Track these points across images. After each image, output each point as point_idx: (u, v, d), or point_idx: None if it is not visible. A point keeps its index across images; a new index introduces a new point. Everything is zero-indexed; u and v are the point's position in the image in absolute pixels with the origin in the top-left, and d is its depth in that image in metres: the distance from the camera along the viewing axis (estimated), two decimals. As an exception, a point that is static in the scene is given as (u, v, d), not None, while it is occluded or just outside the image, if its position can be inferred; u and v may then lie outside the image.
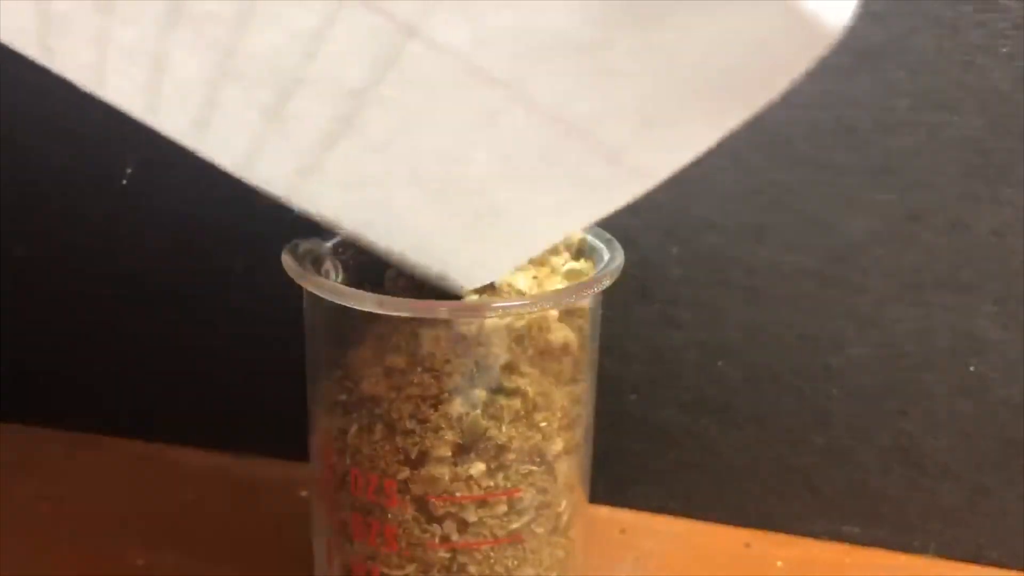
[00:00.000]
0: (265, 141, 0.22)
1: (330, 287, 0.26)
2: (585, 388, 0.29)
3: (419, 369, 0.26)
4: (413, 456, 0.26)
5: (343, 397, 0.27)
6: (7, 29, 0.21)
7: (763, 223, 0.36)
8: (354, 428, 0.27)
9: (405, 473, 0.26)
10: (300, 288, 0.27)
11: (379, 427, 0.26)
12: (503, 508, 0.27)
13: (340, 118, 0.20)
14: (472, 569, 0.27)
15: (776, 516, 0.39)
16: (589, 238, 0.30)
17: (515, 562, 0.27)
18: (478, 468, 0.26)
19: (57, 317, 0.43)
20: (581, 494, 0.30)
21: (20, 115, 0.40)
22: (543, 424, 0.27)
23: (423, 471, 0.26)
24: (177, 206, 0.40)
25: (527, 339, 0.26)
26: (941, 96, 0.33)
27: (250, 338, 0.41)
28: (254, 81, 0.20)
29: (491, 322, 0.26)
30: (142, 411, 0.43)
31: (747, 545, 0.38)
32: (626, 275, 0.28)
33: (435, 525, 0.26)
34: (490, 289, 0.27)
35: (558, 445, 0.27)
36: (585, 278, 0.28)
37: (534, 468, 0.27)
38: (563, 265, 0.29)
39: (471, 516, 0.26)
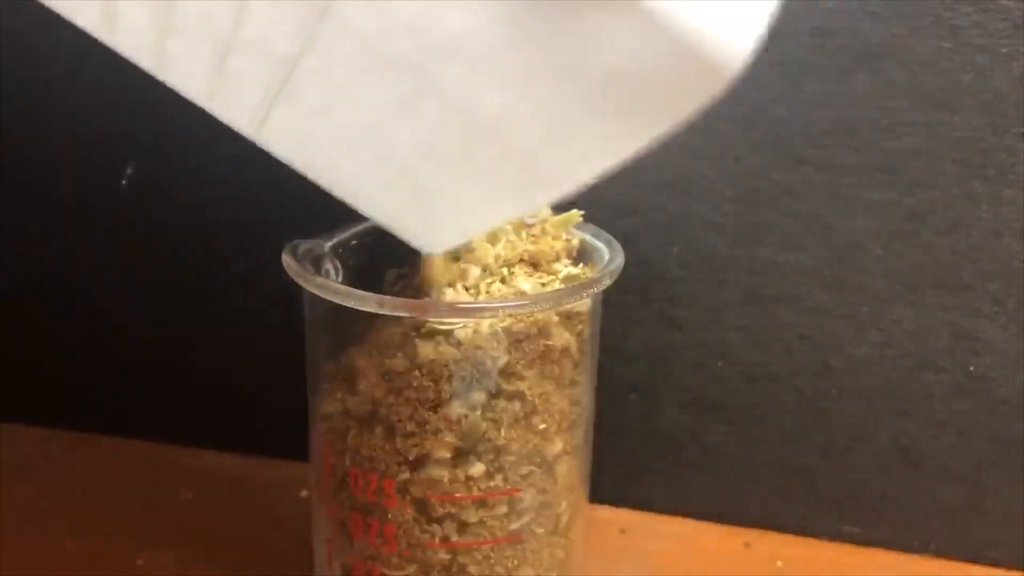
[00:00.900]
0: (216, 91, 0.22)
1: (330, 287, 0.26)
2: (585, 390, 0.29)
3: (418, 372, 0.26)
4: (412, 458, 0.26)
5: (343, 398, 0.27)
6: None
7: (763, 223, 0.36)
8: (354, 429, 0.27)
9: (405, 475, 0.26)
10: (300, 288, 0.27)
11: (379, 429, 0.26)
12: (503, 509, 0.27)
13: (276, 81, 0.21)
14: (472, 569, 0.27)
15: (776, 516, 0.39)
16: (589, 238, 0.30)
17: (515, 562, 0.27)
18: (478, 469, 0.26)
19: (57, 317, 0.43)
20: (581, 494, 0.30)
21: (20, 115, 0.40)
22: (542, 427, 0.27)
23: (423, 473, 0.26)
24: (177, 206, 0.40)
25: (526, 343, 0.26)
26: (941, 96, 0.33)
27: (250, 338, 0.41)
28: (195, 37, 0.21)
29: (490, 326, 0.26)
30: (142, 411, 0.43)
31: (747, 545, 0.38)
32: (626, 275, 0.28)
33: (435, 525, 0.26)
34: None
35: (557, 446, 0.27)
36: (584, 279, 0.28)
37: (534, 469, 0.27)
38: (562, 271, 0.29)
39: (471, 517, 0.26)
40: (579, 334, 0.28)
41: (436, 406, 0.26)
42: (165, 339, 0.42)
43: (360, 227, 0.30)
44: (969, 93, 0.33)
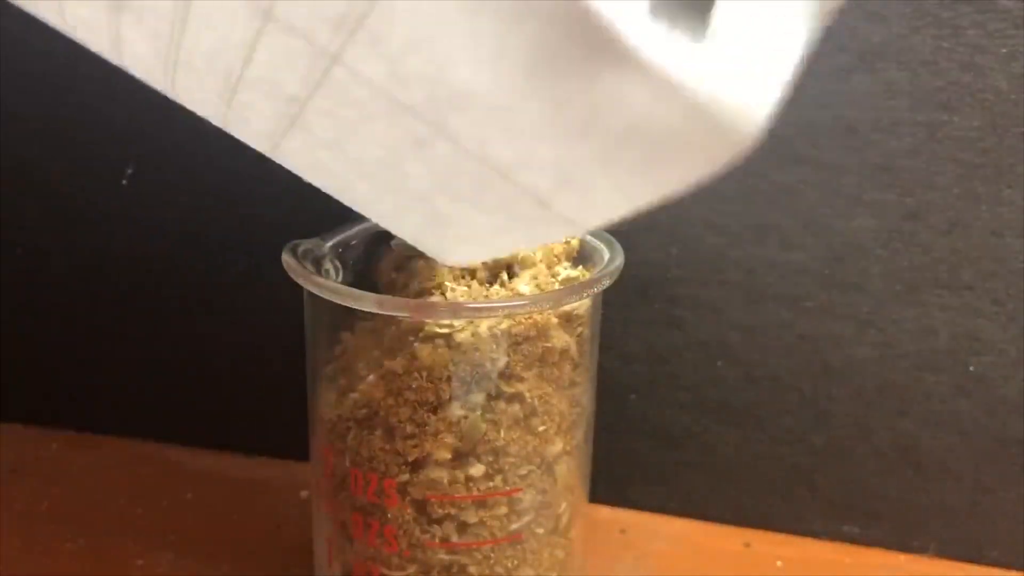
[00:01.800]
0: (228, 118, 0.22)
1: (330, 287, 0.26)
2: (584, 390, 0.29)
3: (417, 374, 0.26)
4: (412, 459, 0.26)
5: (342, 399, 0.27)
6: None
7: (763, 223, 0.36)
8: (353, 430, 0.27)
9: (405, 476, 0.26)
10: (300, 288, 0.27)
11: (378, 430, 0.26)
12: (503, 509, 0.27)
13: (286, 116, 0.21)
14: (472, 569, 0.27)
15: (776, 516, 0.39)
16: (589, 238, 0.30)
17: (515, 562, 0.27)
18: (477, 470, 0.26)
19: (57, 317, 0.43)
20: (581, 494, 0.30)
21: (20, 115, 0.40)
22: (542, 428, 0.27)
23: (422, 474, 0.26)
24: (177, 206, 0.40)
25: (526, 344, 0.26)
26: (941, 96, 0.33)
27: (250, 338, 0.41)
28: (202, 72, 0.21)
29: (490, 327, 0.26)
30: (142, 411, 0.43)
31: (747, 545, 0.38)
32: (626, 275, 0.28)
33: (435, 526, 0.26)
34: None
35: (557, 447, 0.27)
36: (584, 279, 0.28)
37: (533, 469, 0.27)
38: (562, 274, 0.28)
39: (471, 517, 0.26)
40: (579, 335, 0.28)
41: (436, 407, 0.26)
42: (165, 339, 0.42)
43: (360, 227, 0.30)
44: (969, 93, 0.33)
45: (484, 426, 0.26)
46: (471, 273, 0.27)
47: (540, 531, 0.28)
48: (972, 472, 0.36)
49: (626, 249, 0.29)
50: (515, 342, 0.26)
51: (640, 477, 0.39)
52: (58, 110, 0.40)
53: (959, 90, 0.33)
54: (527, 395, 0.26)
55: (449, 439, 0.26)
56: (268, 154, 0.23)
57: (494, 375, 0.26)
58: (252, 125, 0.22)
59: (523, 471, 0.27)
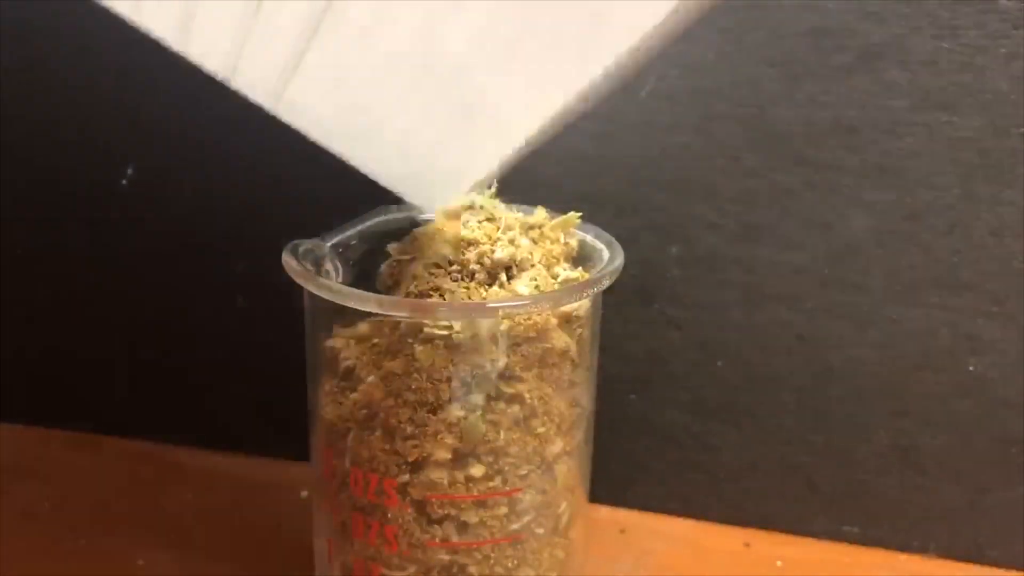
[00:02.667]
0: (248, 41, 0.22)
1: (330, 287, 0.26)
2: (584, 391, 0.29)
3: (417, 374, 0.26)
4: (412, 460, 0.26)
5: (342, 399, 0.27)
6: None
7: (763, 223, 0.36)
8: (353, 431, 0.27)
9: (405, 476, 0.26)
10: (300, 288, 0.27)
11: (378, 431, 0.26)
12: (503, 509, 0.27)
13: (316, 12, 0.21)
14: (472, 569, 0.27)
15: (776, 516, 0.39)
16: (589, 239, 0.30)
17: (515, 562, 0.27)
18: (477, 470, 0.26)
19: (58, 317, 0.43)
20: (581, 494, 0.30)
21: (21, 116, 0.40)
22: (541, 428, 0.27)
23: (422, 474, 0.26)
24: (178, 206, 0.40)
25: (525, 345, 0.26)
26: (941, 96, 0.33)
27: (250, 338, 0.41)
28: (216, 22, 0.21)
29: (489, 328, 0.26)
30: (142, 411, 0.43)
31: (747, 545, 0.38)
32: (626, 275, 0.28)
33: (435, 526, 0.26)
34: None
35: (557, 447, 0.27)
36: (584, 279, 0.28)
37: (533, 470, 0.27)
38: (561, 275, 0.28)
39: (471, 517, 0.26)
40: (578, 336, 0.28)
41: (436, 408, 0.26)
42: (165, 339, 0.42)
43: (360, 227, 0.30)
44: (969, 93, 0.33)
45: (484, 427, 0.26)
46: (470, 275, 0.27)
47: (540, 531, 0.28)
48: (972, 472, 0.36)
49: (626, 249, 0.29)
50: (515, 343, 0.26)
51: (640, 477, 0.39)
52: (58, 110, 0.40)
53: (959, 90, 0.33)
54: (527, 396, 0.26)
55: (449, 439, 0.26)
56: (274, 103, 0.23)
57: (494, 376, 0.26)
58: (273, 38, 0.22)
59: (523, 471, 0.27)
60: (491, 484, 0.26)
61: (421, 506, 0.26)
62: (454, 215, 0.27)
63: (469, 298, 0.27)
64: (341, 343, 0.27)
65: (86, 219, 0.41)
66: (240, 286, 0.40)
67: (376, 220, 0.30)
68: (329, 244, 0.29)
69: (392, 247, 0.29)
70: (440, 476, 0.26)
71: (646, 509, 0.40)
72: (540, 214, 0.29)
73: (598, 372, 0.30)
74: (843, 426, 0.37)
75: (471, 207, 0.28)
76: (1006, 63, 0.32)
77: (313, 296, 0.27)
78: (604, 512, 0.39)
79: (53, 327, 0.43)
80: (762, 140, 0.35)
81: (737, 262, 0.36)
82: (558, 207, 0.29)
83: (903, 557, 0.37)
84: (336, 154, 0.25)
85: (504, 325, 0.26)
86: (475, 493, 0.26)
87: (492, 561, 0.27)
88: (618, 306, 0.37)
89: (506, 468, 0.26)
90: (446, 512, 0.26)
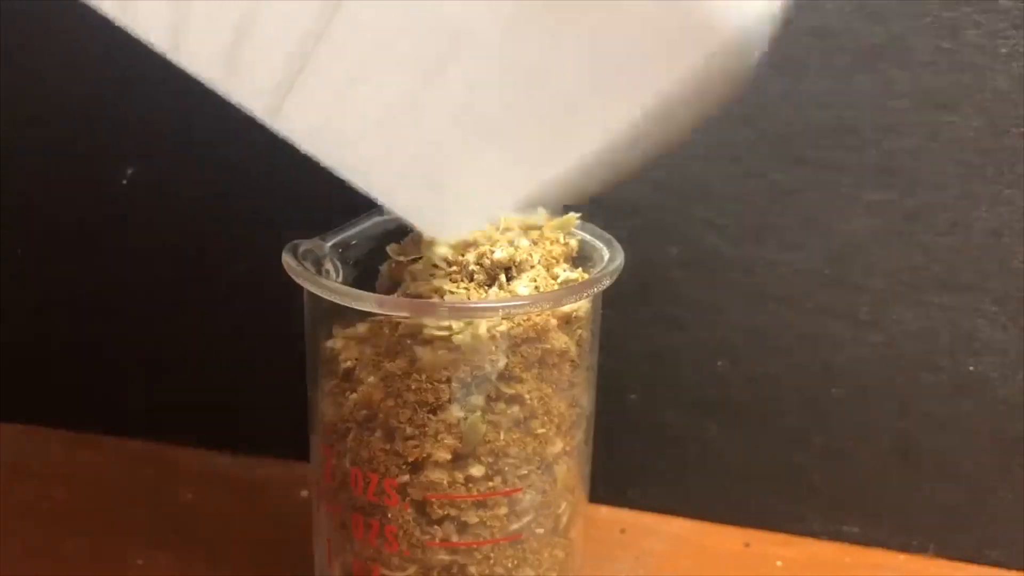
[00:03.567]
0: (239, 59, 0.22)
1: (330, 287, 0.26)
2: (584, 391, 0.29)
3: (417, 375, 0.26)
4: (412, 460, 0.26)
5: (342, 400, 0.27)
6: None
7: (763, 223, 0.36)
8: (354, 431, 0.27)
9: (405, 476, 0.26)
10: (300, 288, 0.27)
11: (378, 431, 0.26)
12: (503, 509, 0.27)
13: (298, 58, 0.21)
14: (472, 569, 0.27)
15: (776, 516, 0.39)
16: (588, 239, 0.30)
17: (515, 562, 0.27)
18: (477, 471, 0.26)
19: (57, 317, 0.43)
20: (581, 495, 0.30)
21: (21, 115, 0.40)
22: (541, 429, 0.27)
23: (422, 475, 0.26)
24: (177, 206, 0.40)
25: (525, 346, 0.26)
26: (941, 96, 0.33)
27: (250, 338, 0.41)
28: (209, 24, 0.21)
29: (489, 329, 0.26)
30: (142, 411, 0.43)
31: (747, 545, 0.38)
32: (626, 275, 0.28)
33: (435, 526, 0.26)
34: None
35: (557, 447, 0.27)
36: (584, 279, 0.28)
37: (533, 470, 0.27)
38: (561, 276, 0.28)
39: (471, 517, 0.26)
40: (578, 336, 0.28)
41: (435, 409, 0.26)
42: (165, 339, 0.42)
43: (360, 227, 0.30)
44: (969, 93, 0.33)
45: (484, 427, 0.26)
46: (469, 276, 0.27)
47: (540, 531, 0.28)
48: (972, 472, 0.36)
49: (626, 249, 0.29)
50: (514, 343, 0.26)
51: (640, 477, 0.39)
52: (59, 110, 0.40)
53: (959, 90, 0.33)
54: (526, 396, 0.26)
55: (449, 440, 0.26)
56: (268, 118, 0.23)
57: (493, 376, 0.26)
58: (258, 77, 0.22)
59: (523, 472, 0.27)
60: (491, 484, 0.26)
61: (421, 506, 0.26)
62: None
63: (469, 299, 0.27)
64: (341, 343, 0.27)
65: (86, 219, 0.41)
66: (240, 286, 0.40)
67: (376, 220, 0.30)
68: (329, 244, 0.29)
69: (392, 247, 0.29)
70: (440, 476, 0.26)
71: (646, 509, 0.40)
72: (540, 214, 0.29)
73: (598, 372, 0.30)
74: (843, 426, 0.37)
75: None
76: (1006, 63, 0.32)
77: (313, 296, 0.27)
78: (604, 512, 0.39)
79: (53, 327, 0.43)
80: (762, 140, 0.35)
81: (737, 262, 0.36)
82: (557, 208, 0.29)
83: (903, 557, 0.37)
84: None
85: (504, 326, 0.26)
86: (475, 493, 0.26)
87: (492, 561, 0.27)
88: (618, 306, 0.37)
89: (506, 468, 0.26)
90: (446, 512, 0.26)
